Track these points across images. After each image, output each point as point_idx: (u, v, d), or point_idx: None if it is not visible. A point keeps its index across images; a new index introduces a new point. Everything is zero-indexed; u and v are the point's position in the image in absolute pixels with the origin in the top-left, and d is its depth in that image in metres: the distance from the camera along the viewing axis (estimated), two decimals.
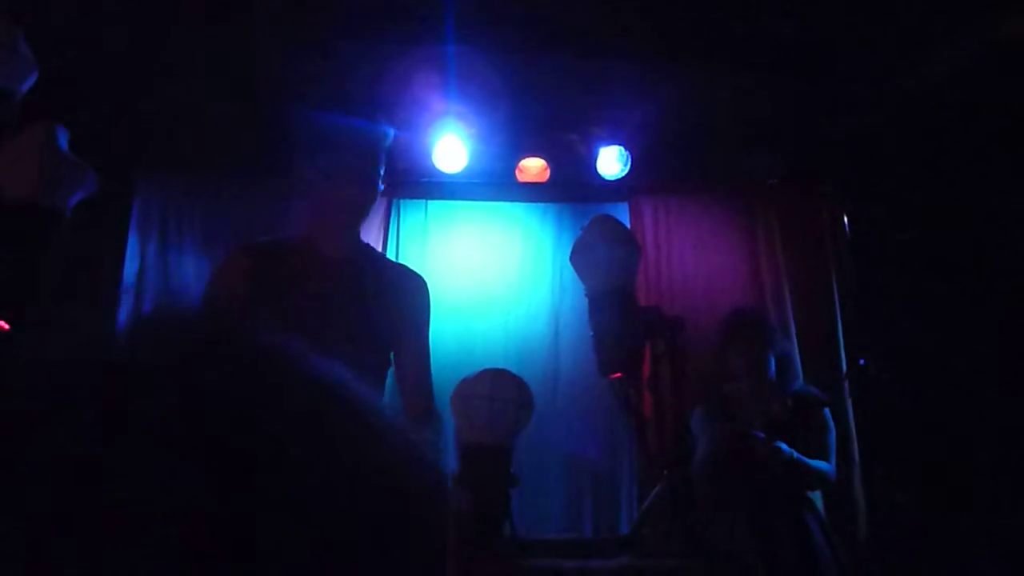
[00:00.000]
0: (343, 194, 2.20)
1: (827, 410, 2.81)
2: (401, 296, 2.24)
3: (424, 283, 2.31)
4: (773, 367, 2.80)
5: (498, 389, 1.71)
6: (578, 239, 2.04)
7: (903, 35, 3.44)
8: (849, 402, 3.52)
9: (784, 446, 2.63)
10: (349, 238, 2.28)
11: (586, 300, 2.18)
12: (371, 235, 3.60)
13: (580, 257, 2.05)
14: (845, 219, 3.84)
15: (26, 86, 2.07)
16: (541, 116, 3.99)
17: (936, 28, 3.40)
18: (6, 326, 1.77)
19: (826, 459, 2.75)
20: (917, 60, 3.56)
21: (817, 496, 3.18)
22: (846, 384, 3.53)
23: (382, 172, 2.27)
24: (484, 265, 3.85)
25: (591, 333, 2.11)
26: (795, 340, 3.61)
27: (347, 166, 2.21)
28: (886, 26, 3.38)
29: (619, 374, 2.00)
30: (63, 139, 1.63)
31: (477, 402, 1.67)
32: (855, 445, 3.48)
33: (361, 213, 2.29)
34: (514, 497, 3.01)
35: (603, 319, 2.01)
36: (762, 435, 2.60)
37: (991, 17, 3.32)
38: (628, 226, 3.83)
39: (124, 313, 3.56)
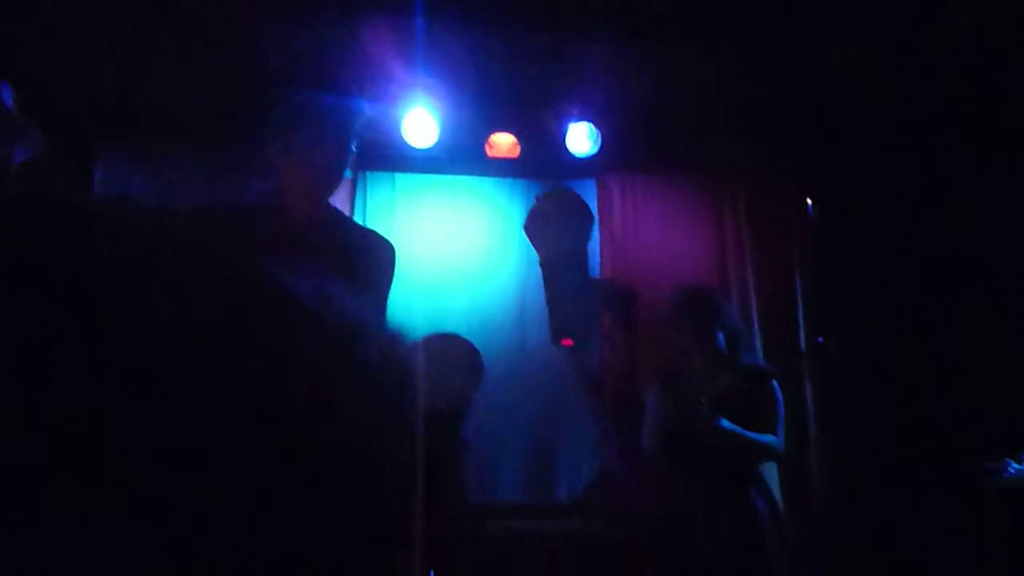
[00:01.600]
0: (312, 165, 2.23)
1: (775, 382, 2.87)
2: (364, 259, 2.27)
3: (391, 248, 2.34)
4: (722, 342, 2.85)
5: (448, 354, 1.72)
6: (531, 209, 2.05)
7: (875, 21, 3.46)
8: (807, 380, 3.58)
9: (724, 421, 2.68)
10: (318, 205, 2.32)
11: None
12: (337, 207, 3.58)
13: (533, 226, 2.06)
14: (809, 202, 3.89)
15: None
16: (512, 92, 3.97)
17: (907, 14, 3.43)
18: None
19: (774, 432, 2.80)
20: (888, 46, 3.59)
21: (773, 473, 3.24)
22: (804, 362, 3.59)
23: (353, 147, 2.31)
24: (452, 239, 3.85)
25: (546, 303, 2.13)
26: (756, 319, 3.66)
27: (317, 137, 2.24)
28: (859, 10, 3.40)
29: (569, 341, 2.01)
30: (7, 96, 1.61)
31: (428, 366, 1.68)
32: (811, 422, 3.54)
33: (329, 184, 2.33)
34: (477, 464, 3.05)
35: (554, 286, 2.03)
36: (705, 409, 2.65)
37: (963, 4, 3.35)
38: (596, 202, 3.86)
39: None
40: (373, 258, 2.30)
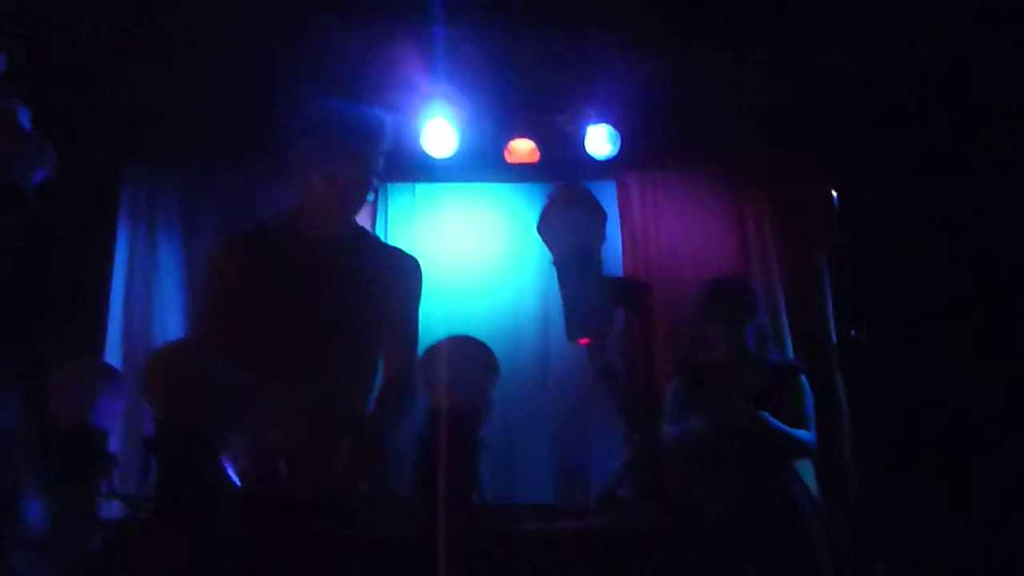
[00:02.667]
0: (339, 179, 2.19)
1: (804, 377, 2.81)
2: (391, 278, 2.24)
3: (417, 265, 2.32)
4: (752, 336, 2.80)
5: (462, 354, 1.73)
6: (543, 208, 2.06)
7: (896, 7, 3.41)
8: (839, 373, 3.52)
9: (768, 415, 2.63)
10: (342, 222, 2.28)
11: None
12: (359, 219, 3.61)
13: (545, 225, 2.06)
14: (834, 193, 3.83)
15: None
16: (530, 97, 3.98)
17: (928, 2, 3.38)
18: None
19: (806, 427, 2.75)
20: (910, 33, 3.53)
21: (808, 467, 3.19)
22: (836, 355, 3.53)
23: (381, 161, 2.25)
24: (472, 247, 3.87)
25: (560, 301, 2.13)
26: (784, 313, 3.61)
27: (345, 151, 2.19)
28: None
29: (587, 340, 2.01)
30: (25, 118, 1.65)
31: (439, 367, 1.68)
32: (845, 416, 3.48)
33: (356, 199, 2.27)
34: (500, 466, 3.03)
35: (568, 284, 2.02)
36: (739, 398, 2.61)
37: None
38: (616, 202, 3.85)
39: (116, 302, 3.60)
40: (399, 276, 2.27)
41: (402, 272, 2.30)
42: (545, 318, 3.72)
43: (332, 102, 2.39)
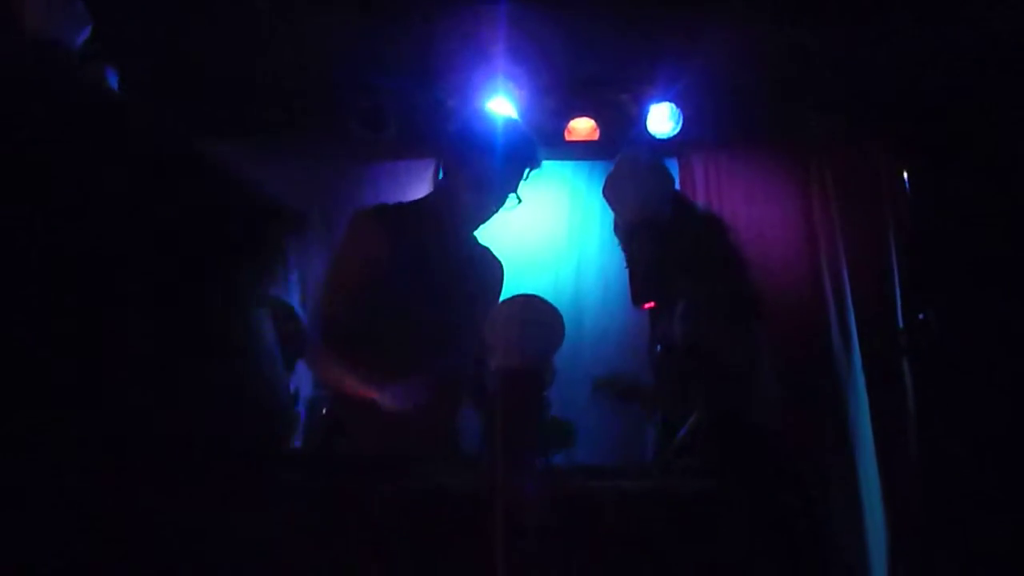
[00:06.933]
0: (478, 200, 2.29)
1: None
2: (494, 280, 2.47)
3: (503, 270, 2.51)
4: None
5: (530, 312, 1.73)
6: (610, 173, 2.04)
7: None
8: (905, 358, 3.43)
9: None
10: (470, 237, 2.44)
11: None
12: (419, 189, 3.64)
13: (612, 189, 2.05)
14: (904, 175, 3.72)
15: (81, 38, 2.18)
16: (591, 76, 3.96)
17: None
18: None
19: None
20: (978, 14, 3.41)
21: (870, 453, 3.12)
22: (904, 339, 3.44)
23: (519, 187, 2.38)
24: (532, 224, 3.85)
25: (625, 265, 2.11)
26: (850, 295, 3.53)
27: (493, 175, 2.28)
28: None
29: (652, 303, 1.99)
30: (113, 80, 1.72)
31: (509, 325, 1.69)
32: (911, 401, 3.39)
33: (484, 220, 2.41)
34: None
35: (636, 249, 2.01)
36: None
37: None
38: (678, 181, 3.80)
39: None
40: (496, 280, 2.47)
41: (495, 280, 2.49)
42: (605, 294, 3.70)
43: (490, 120, 2.62)
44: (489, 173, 2.27)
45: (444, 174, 2.49)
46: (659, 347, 2.22)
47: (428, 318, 2.23)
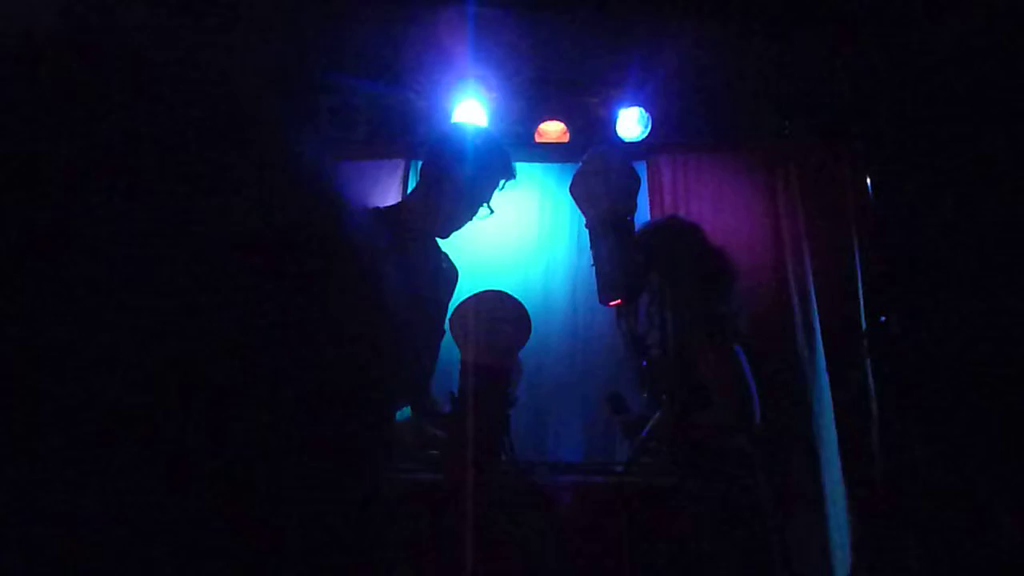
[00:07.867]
0: (454, 210, 2.37)
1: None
2: (450, 286, 2.60)
3: (457, 273, 2.67)
4: None
5: (495, 309, 1.73)
6: (577, 171, 2.07)
7: None
8: (868, 359, 3.48)
9: None
10: (445, 229, 2.55)
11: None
12: (390, 196, 3.63)
13: (579, 187, 2.07)
14: (868, 179, 3.78)
15: None
16: (561, 79, 3.98)
17: None
18: None
19: None
20: (944, 17, 3.49)
21: (834, 454, 3.16)
22: (865, 341, 3.49)
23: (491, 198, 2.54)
24: (502, 225, 3.86)
25: (591, 264, 2.13)
26: (815, 296, 3.57)
27: (471, 188, 2.37)
28: None
29: (618, 300, 2.01)
30: None
31: (474, 322, 1.69)
32: (874, 402, 3.44)
33: (456, 228, 2.56)
34: (532, 430, 3.04)
35: (602, 247, 2.03)
36: None
37: None
38: (646, 183, 3.82)
39: None
40: (452, 284, 2.61)
41: (454, 282, 2.63)
42: (574, 295, 3.71)
43: (476, 129, 2.83)
44: (468, 185, 2.34)
45: (422, 183, 2.56)
46: (644, 363, 2.24)
47: (408, 324, 2.26)
